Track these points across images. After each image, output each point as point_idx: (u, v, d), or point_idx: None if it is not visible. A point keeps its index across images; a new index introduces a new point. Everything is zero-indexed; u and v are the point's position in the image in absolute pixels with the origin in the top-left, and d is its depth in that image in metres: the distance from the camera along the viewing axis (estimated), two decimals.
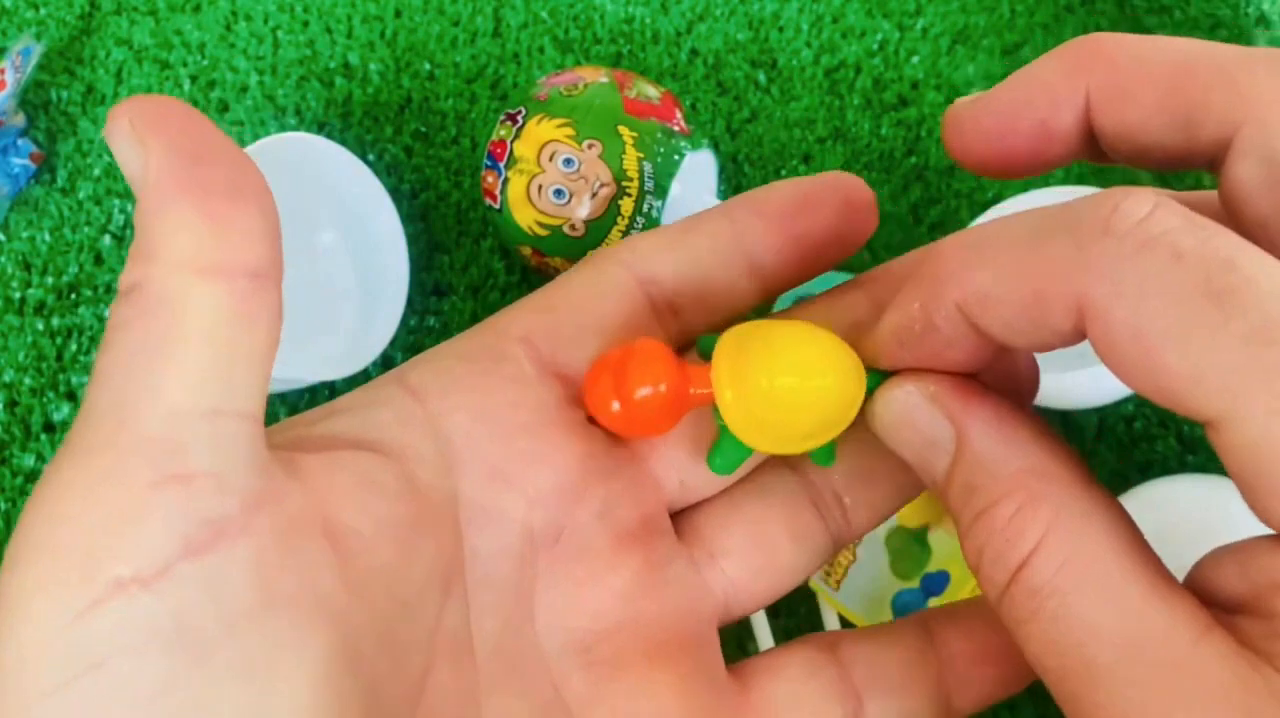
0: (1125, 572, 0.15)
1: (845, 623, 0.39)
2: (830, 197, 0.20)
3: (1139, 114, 0.17)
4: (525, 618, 0.19)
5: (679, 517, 0.21)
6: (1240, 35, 0.46)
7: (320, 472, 0.17)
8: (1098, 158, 0.18)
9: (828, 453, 0.19)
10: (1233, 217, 0.16)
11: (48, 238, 0.44)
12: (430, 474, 0.18)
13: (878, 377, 0.18)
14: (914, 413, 0.17)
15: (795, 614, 0.40)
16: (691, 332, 0.21)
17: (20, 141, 0.45)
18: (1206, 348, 0.13)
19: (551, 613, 0.19)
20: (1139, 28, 0.51)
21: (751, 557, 0.21)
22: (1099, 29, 0.51)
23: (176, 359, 0.15)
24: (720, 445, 0.19)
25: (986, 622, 0.20)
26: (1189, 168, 0.17)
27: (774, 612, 0.38)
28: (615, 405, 0.18)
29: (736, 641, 0.38)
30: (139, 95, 0.16)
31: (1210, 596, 0.15)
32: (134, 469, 0.14)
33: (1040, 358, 0.20)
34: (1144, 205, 0.14)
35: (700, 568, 0.20)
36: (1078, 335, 0.15)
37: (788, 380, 0.18)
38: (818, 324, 0.18)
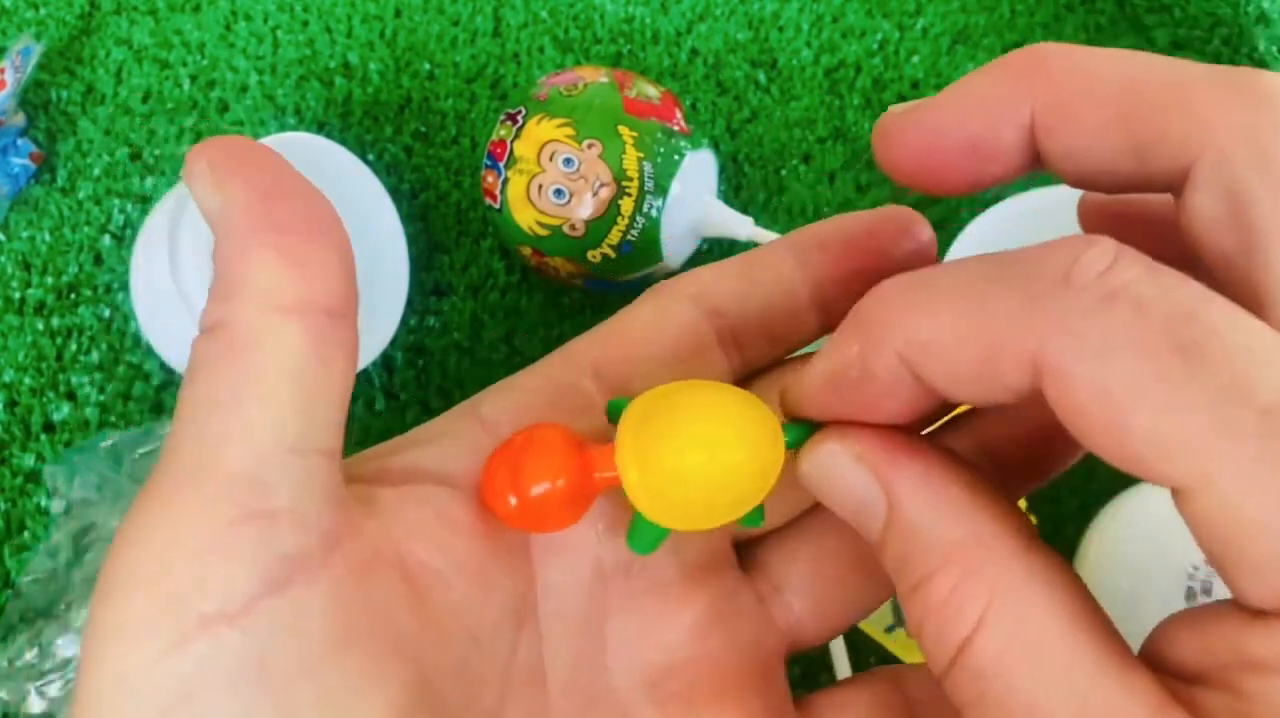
0: (1073, 648, 0.14)
1: None
2: (893, 231, 0.20)
3: (1086, 137, 0.15)
4: (598, 652, 0.19)
5: (743, 549, 0.21)
6: (1240, 34, 0.46)
7: (397, 507, 0.17)
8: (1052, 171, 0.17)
9: (757, 516, 0.18)
10: (1193, 250, 0.15)
11: (47, 238, 0.44)
12: None
13: (805, 429, 0.17)
14: (841, 475, 0.16)
15: None
16: (754, 363, 0.21)
17: (20, 141, 0.45)
18: (1173, 407, 0.12)
19: (622, 647, 0.19)
20: (1138, 27, 0.51)
21: (817, 590, 0.20)
22: (1098, 28, 0.51)
23: (259, 397, 0.15)
24: (636, 525, 0.18)
25: None
26: (1143, 193, 0.16)
27: None
28: (513, 501, 0.17)
29: None
30: (216, 138, 0.16)
31: (1168, 665, 0.14)
32: (218, 506, 0.15)
33: None
34: (1106, 256, 0.13)
35: (766, 602, 0.20)
36: (1029, 392, 0.14)
37: (694, 457, 0.16)
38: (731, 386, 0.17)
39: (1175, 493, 0.13)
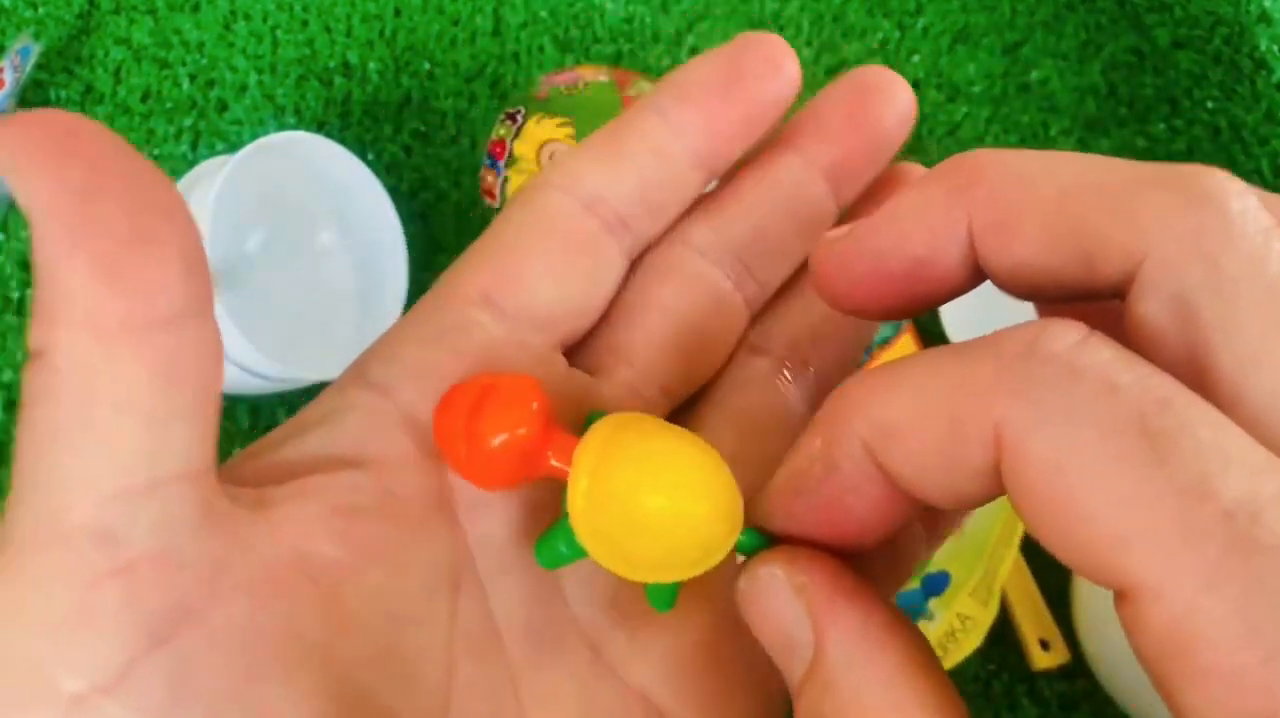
0: None
1: None
2: (750, 62, 0.19)
3: (1026, 249, 0.15)
4: (552, 591, 0.18)
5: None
6: (1241, 33, 0.46)
7: (289, 505, 0.16)
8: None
9: (667, 598, 0.17)
10: (1141, 357, 0.14)
11: None
12: (414, 476, 0.17)
13: (762, 542, 0.16)
14: (775, 604, 0.15)
15: None
16: (647, 238, 0.20)
17: None
18: (1134, 495, 0.11)
19: (576, 577, 0.18)
20: (1139, 26, 0.51)
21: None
22: (1099, 27, 0.51)
23: (93, 438, 0.13)
24: (554, 535, 0.16)
25: None
26: (1094, 302, 0.15)
27: None
28: (462, 447, 0.16)
29: None
30: (23, 115, 0.13)
31: None
32: (71, 569, 0.13)
33: None
34: (1075, 332, 0.13)
35: None
36: (995, 478, 0.13)
37: (651, 496, 0.15)
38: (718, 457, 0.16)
39: (1120, 597, 0.12)
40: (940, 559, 0.42)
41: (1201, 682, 0.11)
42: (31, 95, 0.47)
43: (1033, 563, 0.43)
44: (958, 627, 0.41)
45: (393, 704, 0.16)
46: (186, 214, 0.14)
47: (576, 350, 0.20)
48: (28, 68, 0.44)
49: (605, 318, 0.20)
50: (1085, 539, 0.12)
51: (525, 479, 0.16)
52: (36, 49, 0.44)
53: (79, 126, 0.13)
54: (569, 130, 0.39)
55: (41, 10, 0.49)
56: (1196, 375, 0.13)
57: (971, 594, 0.41)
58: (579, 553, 0.16)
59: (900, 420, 0.14)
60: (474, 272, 0.19)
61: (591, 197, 0.19)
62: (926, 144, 0.47)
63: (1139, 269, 0.14)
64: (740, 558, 0.16)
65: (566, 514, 0.16)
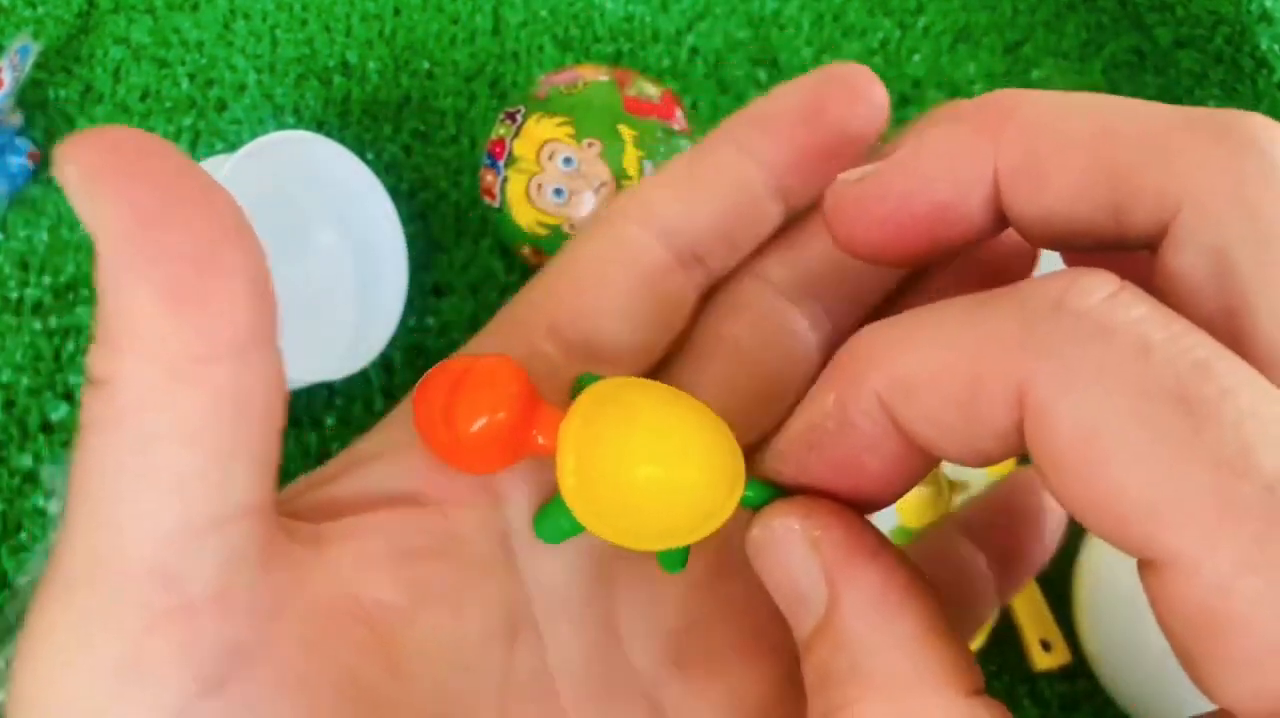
0: None
1: None
2: (835, 92, 0.18)
3: (1054, 195, 0.14)
4: (610, 639, 0.17)
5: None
6: (1243, 32, 0.46)
7: (347, 543, 0.15)
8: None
9: (677, 559, 0.16)
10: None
11: (45, 237, 0.44)
12: (474, 515, 0.17)
13: (772, 493, 0.15)
14: (788, 556, 0.14)
15: None
16: (720, 273, 0.19)
17: (18, 140, 0.45)
18: (1169, 465, 0.11)
19: (637, 624, 0.18)
20: (1140, 25, 0.51)
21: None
22: (1100, 26, 0.51)
23: (160, 471, 0.13)
24: (552, 509, 0.16)
25: None
26: (1118, 252, 0.14)
27: None
28: (442, 433, 0.15)
29: None
30: (88, 132, 0.13)
31: None
32: (128, 609, 0.13)
33: None
34: (1107, 285, 0.12)
35: None
36: (1017, 437, 0.12)
37: (641, 468, 0.15)
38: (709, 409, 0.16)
39: (1147, 566, 0.11)
40: None
41: (1235, 663, 0.11)
42: (30, 95, 0.47)
43: None
44: None
45: None
46: (254, 239, 0.14)
47: None
48: (27, 67, 0.44)
49: (674, 354, 0.19)
50: (1115, 508, 0.11)
51: (511, 462, 0.16)
52: (35, 48, 0.44)
53: (148, 146, 0.13)
54: (569, 130, 0.39)
55: (41, 10, 0.49)
56: (1232, 334, 0.13)
57: None
58: (578, 528, 0.16)
59: (918, 377, 0.13)
60: (543, 301, 0.18)
61: (666, 229, 0.18)
62: None
63: (1174, 219, 0.13)
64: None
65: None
